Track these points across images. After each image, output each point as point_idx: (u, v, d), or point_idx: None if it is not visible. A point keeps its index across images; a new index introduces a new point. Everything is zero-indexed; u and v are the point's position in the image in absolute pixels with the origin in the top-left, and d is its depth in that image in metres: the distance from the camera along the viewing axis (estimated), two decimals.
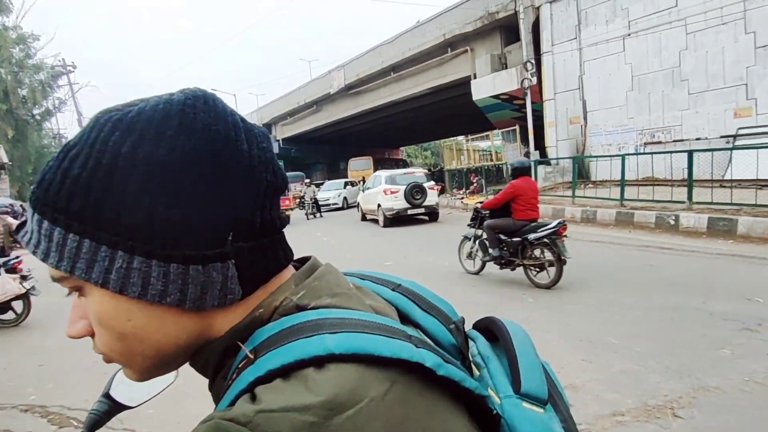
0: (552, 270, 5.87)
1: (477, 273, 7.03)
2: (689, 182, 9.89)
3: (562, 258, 5.66)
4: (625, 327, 4.24)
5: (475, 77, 20.49)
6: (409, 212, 14.02)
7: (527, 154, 17.50)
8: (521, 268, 6.23)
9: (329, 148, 42.47)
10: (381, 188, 14.44)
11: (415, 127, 38.25)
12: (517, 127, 16.53)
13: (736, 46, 12.57)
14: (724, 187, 10.45)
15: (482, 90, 19.90)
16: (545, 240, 5.75)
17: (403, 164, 44.19)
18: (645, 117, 14.69)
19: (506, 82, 18.57)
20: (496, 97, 19.55)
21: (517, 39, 18.26)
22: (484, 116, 21.71)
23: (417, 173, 15.44)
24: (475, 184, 18.86)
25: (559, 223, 5.82)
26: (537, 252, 6.04)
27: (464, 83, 21.08)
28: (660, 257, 7.17)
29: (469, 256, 7.13)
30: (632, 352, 3.74)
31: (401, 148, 55.43)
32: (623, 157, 11.31)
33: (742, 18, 12.40)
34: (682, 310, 4.51)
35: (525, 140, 17.81)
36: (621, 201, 11.15)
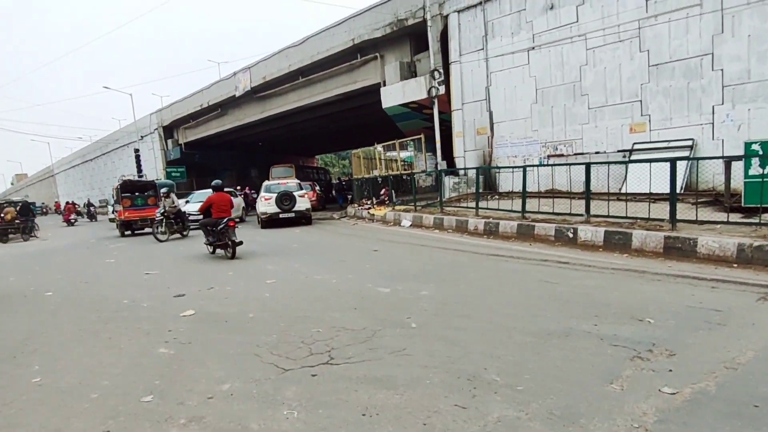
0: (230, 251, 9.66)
1: (212, 253, 10.42)
2: (587, 195, 9.65)
3: (233, 240, 9.57)
4: (513, 358, 3.70)
5: (384, 84, 19.84)
6: (281, 216, 16.17)
7: (436, 165, 17.00)
8: (222, 247, 9.87)
9: (238, 154, 40.23)
10: (262, 195, 17.06)
11: (329, 135, 37.24)
12: (422, 136, 16.01)
13: (632, 63, 12.79)
14: (620, 200, 10.40)
15: (391, 98, 19.27)
16: (224, 229, 9.60)
17: (324, 173, 43.59)
18: (548, 129, 14.68)
19: (415, 90, 18.07)
20: (405, 105, 19.00)
21: (427, 47, 17.83)
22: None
23: (290, 183, 18.14)
24: (383, 195, 18.09)
25: (229, 219, 9.68)
26: (223, 237, 9.67)
27: (374, 90, 20.40)
28: (557, 272, 6.71)
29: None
30: (515, 393, 3.09)
31: (316, 157, 54.05)
32: (524, 169, 10.96)
33: (637, 36, 12.63)
34: (572, 335, 4.07)
35: (434, 150, 17.35)
36: (522, 213, 10.77)
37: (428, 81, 17.04)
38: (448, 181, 16.26)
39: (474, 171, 15.14)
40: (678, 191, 11.40)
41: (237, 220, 10.33)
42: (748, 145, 9.12)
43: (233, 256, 9.60)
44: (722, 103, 11.38)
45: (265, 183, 18.12)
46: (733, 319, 4.22)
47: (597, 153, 13.35)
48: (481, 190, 14.92)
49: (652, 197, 10.46)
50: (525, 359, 3.62)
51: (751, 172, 8.82)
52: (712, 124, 11.55)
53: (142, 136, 39.28)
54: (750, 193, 8.80)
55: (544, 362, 3.54)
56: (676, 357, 3.45)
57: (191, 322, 5.12)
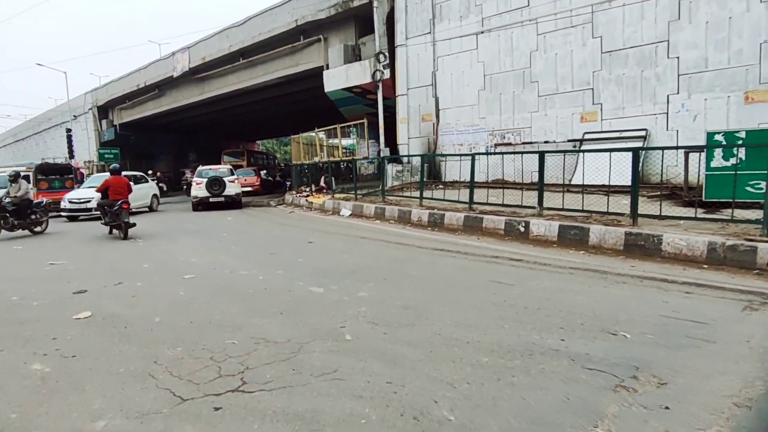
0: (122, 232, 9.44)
1: (110, 233, 9.91)
2: (540, 186, 8.04)
3: (125, 221, 9.31)
4: (468, 386, 2.72)
5: (327, 68, 17.65)
6: (211, 200, 15.96)
7: (379, 152, 15.07)
8: (116, 228, 9.65)
9: (176, 138, 36.54)
10: (194, 180, 16.73)
11: (271, 120, 34.36)
12: (365, 121, 14.05)
13: (584, 49, 11.37)
14: (572, 191, 8.93)
15: (334, 82, 17.14)
16: (117, 211, 9.30)
17: (272, 158, 41.41)
18: (496, 117, 13.09)
19: (359, 74, 16.02)
20: (348, 90, 16.95)
21: (373, 30, 15.79)
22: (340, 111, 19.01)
23: (221, 168, 17.72)
24: (322, 182, 15.96)
25: (122, 201, 9.33)
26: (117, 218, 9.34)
27: (318, 74, 18.14)
28: (510, 271, 5.48)
29: None
30: None
31: (257, 142, 50.57)
32: (473, 157, 9.29)
33: (590, 22, 11.20)
34: (537, 353, 3.12)
35: (377, 137, 15.38)
36: (470, 205, 9.07)
37: (373, 64, 15.04)
38: (391, 169, 14.38)
39: (418, 159, 13.38)
40: (629, 183, 10.12)
41: (129, 203, 9.75)
42: (710, 135, 7.80)
43: (125, 237, 9.37)
44: (677, 93, 10.14)
45: (198, 168, 17.75)
46: (721, 335, 3.32)
47: (546, 142, 11.89)
48: (425, 179, 13.24)
49: (604, 189, 9.08)
50: (484, 389, 2.69)
51: (713, 164, 7.55)
52: (667, 114, 10.29)
53: (75, 116, 34.96)
54: (712, 186, 7.57)
55: (508, 393, 2.64)
56: (668, 387, 2.61)
57: (84, 327, 4.00)
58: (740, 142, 7.28)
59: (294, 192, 17.42)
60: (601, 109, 11.17)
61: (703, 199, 7.64)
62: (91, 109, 33.79)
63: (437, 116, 14.36)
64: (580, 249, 6.62)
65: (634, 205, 6.73)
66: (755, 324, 3.55)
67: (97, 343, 3.61)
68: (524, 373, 2.85)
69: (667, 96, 10.26)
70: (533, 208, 8.12)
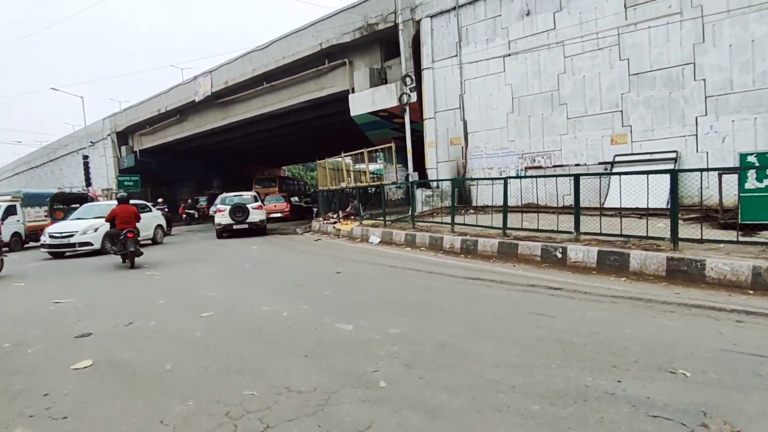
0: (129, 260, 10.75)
1: (123, 262, 11.07)
2: (576, 210, 9.10)
3: (131, 250, 10.56)
4: None
5: (353, 92, 19.32)
6: (234, 227, 17.42)
7: (407, 177, 16.50)
8: (122, 257, 10.99)
9: (199, 164, 39.03)
10: (217, 207, 18.22)
11: (297, 145, 36.46)
12: (393, 146, 15.51)
13: (612, 71, 12.61)
14: (606, 215, 10.02)
15: (360, 105, 18.75)
16: (123, 239, 10.57)
17: (303, 184, 43.47)
18: (525, 140, 14.39)
19: (385, 97, 17.59)
20: (375, 113, 18.51)
21: (398, 53, 17.42)
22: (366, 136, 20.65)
23: (245, 195, 19.09)
24: (350, 207, 17.46)
25: (127, 231, 10.58)
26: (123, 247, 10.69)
27: (344, 98, 19.84)
28: (550, 302, 5.89)
29: None
30: None
31: (283, 168, 53.02)
32: (505, 180, 10.46)
33: (617, 44, 12.46)
34: (592, 398, 3.15)
35: (405, 161, 16.84)
36: (503, 230, 10.22)
37: (399, 88, 16.59)
38: (420, 194, 15.76)
39: (448, 183, 14.70)
40: (664, 206, 11.21)
41: (136, 232, 10.93)
42: (743, 156, 8.81)
43: (132, 266, 10.62)
44: (705, 114, 11.25)
45: (221, 195, 19.23)
46: None
47: (577, 165, 13.08)
48: (455, 204, 14.50)
49: (638, 212, 10.16)
50: None
51: (747, 185, 8.47)
52: (696, 135, 11.40)
53: (93, 142, 37.65)
54: (748, 208, 8.37)
55: None
56: None
57: (83, 379, 3.92)
58: None
59: (321, 219, 18.95)
60: (631, 131, 12.35)
61: (740, 221, 8.56)
62: (109, 135, 36.42)
63: (466, 139, 15.74)
64: (621, 275, 7.26)
65: (674, 228, 7.28)
66: None
67: (96, 398, 3.49)
68: (581, 423, 2.83)
69: (696, 118, 11.38)
70: (569, 233, 8.95)
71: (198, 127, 29.39)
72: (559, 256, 8.49)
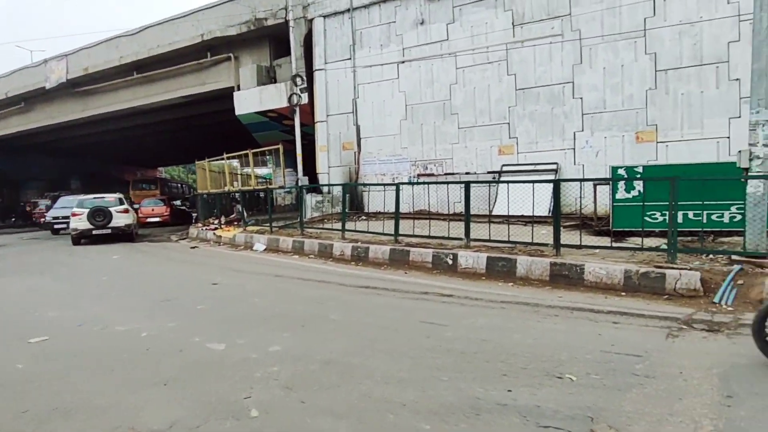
0: None
1: None
2: (466, 217, 9.41)
3: None
4: None
5: (239, 89, 18.38)
6: (95, 232, 15.86)
7: (297, 181, 15.99)
8: None
9: (55, 162, 34.50)
10: (73, 211, 16.58)
11: (176, 145, 33.85)
12: (281, 147, 14.92)
13: (500, 85, 13.31)
14: (494, 222, 10.47)
15: (247, 104, 17.91)
16: None
17: (189, 188, 40.11)
18: (418, 148, 14.66)
19: (274, 97, 16.99)
20: (263, 114, 17.80)
21: (288, 52, 16.96)
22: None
23: (107, 198, 17.10)
24: (234, 213, 16.50)
25: None
26: None
27: (229, 96, 18.82)
28: (442, 309, 5.93)
29: None
30: None
31: (160, 169, 48.79)
32: (397, 187, 10.49)
33: (505, 59, 13.19)
34: (484, 411, 3.11)
35: (295, 165, 16.30)
36: (395, 237, 10.20)
37: (289, 88, 16.09)
38: (311, 200, 15.36)
39: (340, 189, 14.49)
40: (547, 213, 12.00)
41: None
42: (614, 169, 9.73)
43: None
44: (582, 130, 12.29)
45: (79, 198, 17.82)
46: (657, 368, 3.73)
47: (467, 173, 13.58)
48: (347, 210, 14.30)
49: (523, 219, 10.74)
50: None
51: (618, 195, 9.37)
52: (574, 149, 12.40)
53: None
54: (618, 216, 9.26)
55: None
56: None
57: None
58: (639, 176, 9.26)
59: (200, 225, 17.69)
60: (517, 143, 13.12)
61: (612, 228, 9.48)
62: None
63: (359, 145, 15.66)
64: (509, 280, 7.58)
65: (556, 236, 7.93)
66: (681, 353, 4.11)
67: None
68: None
69: (574, 133, 12.39)
70: (460, 239, 9.30)
71: (50, 119, 26.11)
72: (450, 262, 8.67)
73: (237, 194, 16.35)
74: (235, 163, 22.07)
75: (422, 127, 14.61)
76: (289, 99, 15.79)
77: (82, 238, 16.13)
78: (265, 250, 12.40)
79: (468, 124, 13.86)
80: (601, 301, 6.05)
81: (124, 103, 22.73)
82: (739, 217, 8.83)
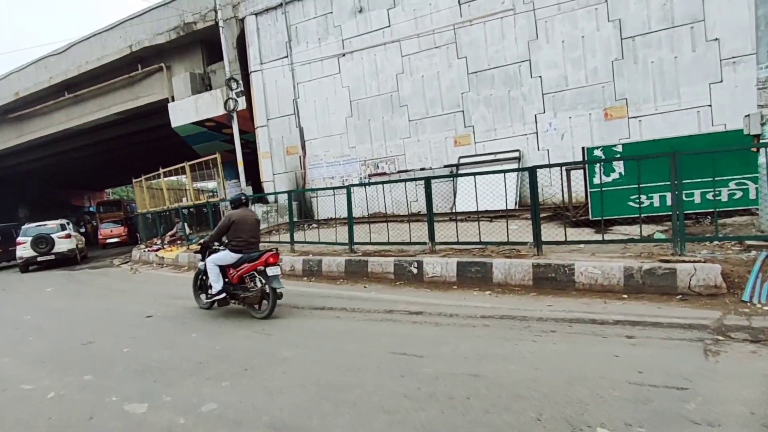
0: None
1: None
2: (429, 218, 7.16)
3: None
4: None
5: (173, 100, 15.56)
6: (38, 259, 14.78)
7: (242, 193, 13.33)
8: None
9: None
10: (18, 240, 15.17)
11: (119, 165, 30.13)
12: (218, 156, 12.30)
13: (451, 70, 11.04)
14: (458, 220, 8.23)
15: (182, 115, 15.14)
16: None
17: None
18: (367, 146, 12.24)
19: (211, 105, 14.29)
20: (200, 124, 15.05)
21: (222, 57, 14.18)
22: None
23: (49, 225, 15.75)
24: (174, 230, 13.72)
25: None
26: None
27: (165, 108, 15.87)
28: (414, 334, 4.36)
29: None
30: None
31: (107, 190, 44.58)
32: (348, 189, 8.15)
33: (454, 42, 10.93)
34: None
35: (237, 174, 13.63)
36: (350, 246, 7.88)
37: (225, 93, 13.41)
38: (257, 210, 12.73)
39: (285, 196, 11.97)
40: (513, 206, 9.73)
41: None
42: (590, 150, 7.63)
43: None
44: (544, 112, 10.12)
45: (23, 226, 16.08)
46: (715, 406, 2.52)
47: (422, 169, 11.25)
48: (296, 219, 11.85)
49: (488, 215, 8.54)
50: None
51: (596, 180, 7.32)
52: (536, 133, 10.21)
53: None
54: (596, 204, 7.27)
55: None
56: None
57: None
58: (619, 155, 7.14)
59: (143, 246, 14.82)
60: (474, 132, 10.84)
61: (591, 218, 7.37)
62: None
63: (303, 148, 13.13)
64: (485, 288, 5.75)
65: (536, 231, 6.05)
66: (733, 377, 2.89)
67: None
68: None
69: (535, 115, 10.20)
70: (423, 244, 7.19)
71: None
72: (415, 271, 6.72)
73: (181, 211, 13.48)
74: (184, 179, 19.25)
75: (370, 123, 12.18)
76: (225, 104, 13.14)
77: (29, 266, 14.98)
78: None
79: (419, 116, 11.50)
80: (600, 308, 4.58)
81: (59, 125, 19.46)
82: (739, 194, 6.94)
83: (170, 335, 5.22)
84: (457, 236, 6.83)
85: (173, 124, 15.35)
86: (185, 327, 5.49)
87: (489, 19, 10.48)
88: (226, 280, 5.66)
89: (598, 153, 7.54)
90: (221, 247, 5.83)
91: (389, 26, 11.65)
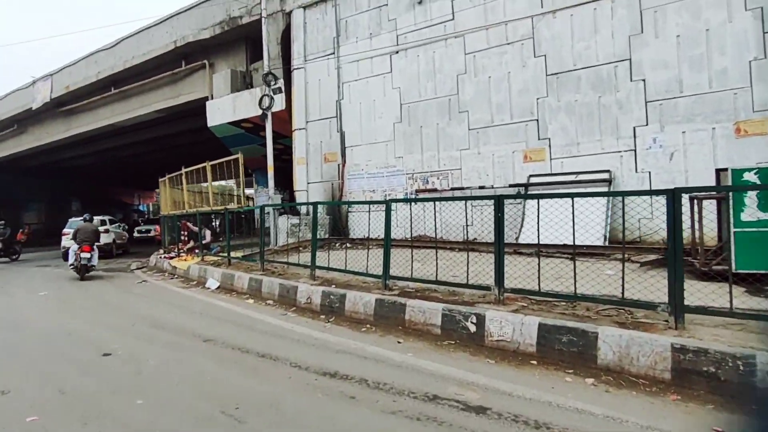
0: None
1: None
2: (498, 252, 4.69)
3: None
4: None
5: (212, 98, 13.81)
6: None
7: (268, 200, 11.24)
8: None
9: (52, 184, 30.01)
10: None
11: (167, 167, 29.11)
12: (240, 157, 10.21)
13: (524, 71, 8.63)
14: (522, 254, 5.82)
15: (219, 115, 13.35)
16: None
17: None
18: (417, 157, 9.91)
19: (248, 105, 12.41)
20: (237, 124, 13.20)
21: (270, 56, 12.26)
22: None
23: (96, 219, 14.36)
24: (184, 237, 11.73)
25: None
26: None
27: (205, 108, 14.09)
28: None
29: None
30: None
31: (157, 191, 43.83)
32: (388, 205, 5.79)
33: (531, 37, 8.53)
34: None
35: (279, 181, 11.53)
36: (384, 280, 5.52)
37: (262, 90, 11.46)
38: (285, 223, 10.61)
39: (320, 209, 9.80)
40: (602, 242, 7.15)
41: None
42: (737, 173, 5.00)
43: None
44: (646, 124, 7.51)
45: (70, 219, 17.01)
46: None
47: (481, 188, 8.81)
48: (328, 236, 9.67)
49: (563, 252, 6.09)
50: None
51: (745, 216, 4.73)
52: (634, 150, 7.60)
53: None
54: (745, 250, 4.69)
55: None
56: None
57: None
58: None
59: (162, 252, 12.95)
60: (549, 146, 8.34)
61: (734, 269, 4.74)
62: None
63: (343, 155, 10.95)
64: (584, 372, 3.40)
65: (675, 288, 3.51)
66: None
67: None
68: None
69: (634, 128, 7.62)
70: (486, 288, 4.72)
71: (38, 140, 21.65)
72: (473, 329, 4.33)
73: (198, 216, 11.44)
74: (227, 182, 17.58)
75: (422, 130, 9.87)
76: (260, 102, 11.17)
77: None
78: (218, 288, 8.02)
79: (482, 124, 9.10)
80: None
81: (103, 120, 18.19)
82: None
83: (109, 396, 3.30)
84: (539, 284, 4.36)
85: (209, 123, 13.57)
86: (137, 383, 3.54)
87: (578, 9, 8.04)
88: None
89: (749, 177, 4.91)
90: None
91: (452, 18, 9.40)
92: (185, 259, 10.63)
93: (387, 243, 5.57)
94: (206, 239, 10.99)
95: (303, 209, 10.94)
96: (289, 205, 10.12)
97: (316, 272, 6.61)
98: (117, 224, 19.97)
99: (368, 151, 10.61)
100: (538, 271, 4.40)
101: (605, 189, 7.55)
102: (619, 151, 7.70)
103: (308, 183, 11.37)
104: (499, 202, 4.65)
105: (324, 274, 6.69)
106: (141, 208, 35.94)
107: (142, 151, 23.24)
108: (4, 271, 13.49)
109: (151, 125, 18.30)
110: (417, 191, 9.78)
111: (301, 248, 9.31)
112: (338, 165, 11.02)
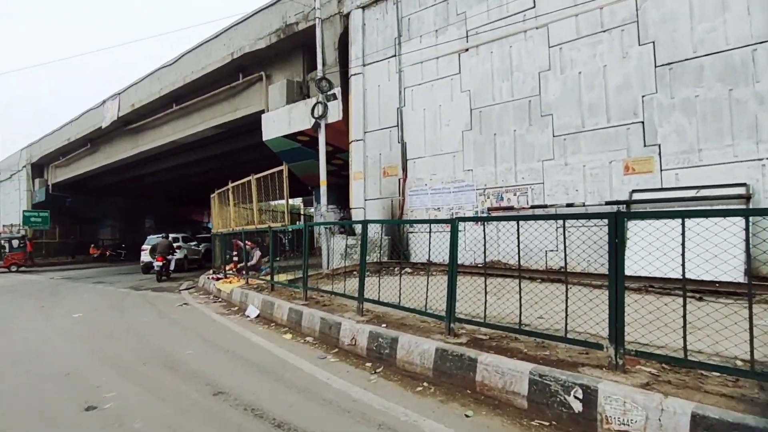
0: None
1: None
2: (617, 298, 3.35)
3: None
4: None
5: (267, 110, 13.41)
6: (153, 264, 14.88)
7: (321, 216, 10.46)
8: None
9: (126, 202, 31.71)
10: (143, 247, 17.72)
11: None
12: (284, 168, 9.42)
13: (625, 63, 7.20)
14: (634, 290, 4.43)
15: (274, 128, 12.87)
16: None
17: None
18: (489, 169, 8.68)
19: (305, 117, 11.79)
20: (292, 137, 12.61)
21: (325, 62, 11.66)
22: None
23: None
24: (236, 259, 11.17)
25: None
26: None
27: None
28: None
29: None
30: None
31: None
32: (454, 224, 4.52)
33: (634, 21, 7.12)
34: None
35: (335, 197, 10.76)
36: (449, 319, 4.31)
37: (318, 99, 10.79)
38: (340, 243, 9.73)
39: (377, 228, 8.83)
40: (739, 278, 5.56)
41: None
42: None
43: None
44: None
45: (148, 237, 18.59)
46: None
47: (569, 205, 7.41)
48: (388, 259, 8.69)
49: (670, 286, 4.59)
50: None
51: None
52: None
53: (11, 174, 30.54)
54: None
55: None
56: None
57: None
58: None
59: (211, 273, 12.55)
60: (660, 153, 6.83)
61: None
62: (25, 167, 29.25)
63: (405, 169, 9.95)
64: None
65: None
66: None
67: None
68: None
69: None
70: (596, 347, 3.31)
71: (109, 158, 22.70)
72: (577, 407, 2.98)
73: (243, 235, 10.85)
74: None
75: (495, 138, 8.65)
76: (313, 110, 10.50)
77: (149, 269, 16.58)
78: (258, 316, 7.20)
79: (570, 129, 7.75)
80: None
81: (166, 137, 18.58)
82: None
83: None
84: (685, 348, 3.00)
85: (264, 137, 13.14)
86: None
87: None
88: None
89: None
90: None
91: (533, 6, 8.19)
92: (231, 281, 10.04)
93: (452, 272, 4.40)
94: (253, 260, 10.35)
95: (359, 228, 10.03)
96: (338, 224, 9.21)
97: (363, 307, 5.57)
98: (194, 242, 20.53)
99: (432, 164, 9.53)
100: (684, 325, 3.05)
101: (741, 207, 5.95)
102: (761, 159, 6.06)
103: (365, 200, 10.46)
104: (615, 221, 3.37)
105: (374, 308, 5.65)
106: (209, 225, 37.30)
107: (207, 169, 23.70)
108: (65, 288, 13.71)
109: (212, 141, 18.42)
110: (489, 209, 8.52)
111: (355, 273, 8.35)
112: (399, 179, 10.02)
